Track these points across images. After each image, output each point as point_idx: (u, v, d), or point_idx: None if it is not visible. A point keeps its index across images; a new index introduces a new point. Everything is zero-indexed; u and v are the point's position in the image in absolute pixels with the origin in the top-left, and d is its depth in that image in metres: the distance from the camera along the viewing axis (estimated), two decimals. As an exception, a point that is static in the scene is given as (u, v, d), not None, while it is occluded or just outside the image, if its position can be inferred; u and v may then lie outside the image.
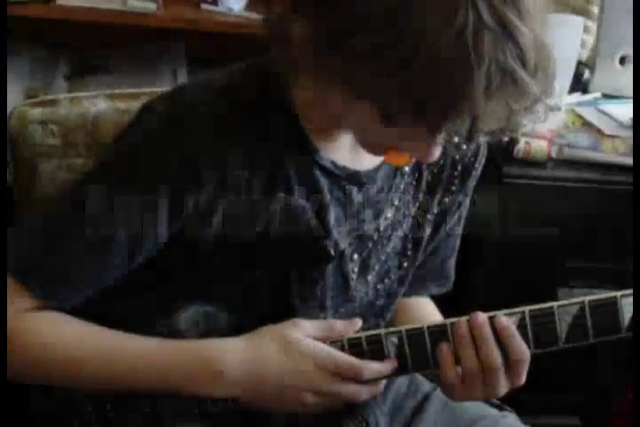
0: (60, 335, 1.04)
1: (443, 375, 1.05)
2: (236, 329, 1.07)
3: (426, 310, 1.31)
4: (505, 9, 0.85)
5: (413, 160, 1.05)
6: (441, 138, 0.94)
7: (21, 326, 1.02)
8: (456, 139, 0.94)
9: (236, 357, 1.03)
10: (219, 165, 1.01)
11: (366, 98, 0.91)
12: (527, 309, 1.03)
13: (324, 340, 1.05)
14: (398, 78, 0.86)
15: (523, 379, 1.05)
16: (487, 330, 1.02)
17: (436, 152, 0.98)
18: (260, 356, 1.03)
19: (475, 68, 0.84)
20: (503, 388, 1.05)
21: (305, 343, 1.03)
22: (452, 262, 1.31)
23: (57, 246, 1.03)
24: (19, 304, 1.02)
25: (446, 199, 1.20)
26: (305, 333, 1.04)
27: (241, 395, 1.03)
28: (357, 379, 1.04)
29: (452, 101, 0.86)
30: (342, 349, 1.05)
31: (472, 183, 1.22)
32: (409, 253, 1.21)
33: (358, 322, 1.07)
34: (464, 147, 1.06)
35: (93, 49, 2.12)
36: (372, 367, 1.04)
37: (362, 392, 1.06)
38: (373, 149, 1.03)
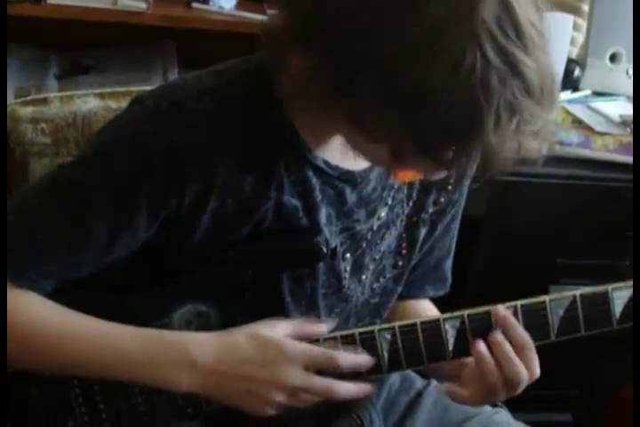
0: (33, 312, 1.03)
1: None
2: (229, 328, 1.06)
3: (426, 311, 1.30)
4: (510, 45, 0.84)
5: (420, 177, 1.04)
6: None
7: None
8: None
9: (203, 345, 1.02)
10: (206, 164, 1.00)
11: (378, 142, 0.90)
12: (519, 303, 1.04)
13: (298, 338, 1.04)
14: (410, 123, 0.86)
15: (537, 369, 1.05)
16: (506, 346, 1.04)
17: (442, 173, 0.97)
18: (228, 347, 1.01)
19: (484, 108, 0.84)
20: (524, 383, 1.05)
21: (276, 337, 1.02)
22: (448, 263, 1.31)
23: (31, 229, 1.02)
24: None
25: (442, 199, 1.20)
26: (278, 330, 1.03)
27: (204, 387, 1.02)
28: (334, 368, 1.02)
29: (463, 142, 0.86)
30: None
31: (467, 182, 1.22)
32: (404, 251, 1.21)
33: (328, 324, 1.06)
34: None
35: (84, 49, 2.12)
36: (348, 356, 1.03)
37: (340, 387, 1.03)
38: (383, 166, 1.03)
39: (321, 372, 1.02)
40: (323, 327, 1.06)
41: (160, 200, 1.01)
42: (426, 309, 1.31)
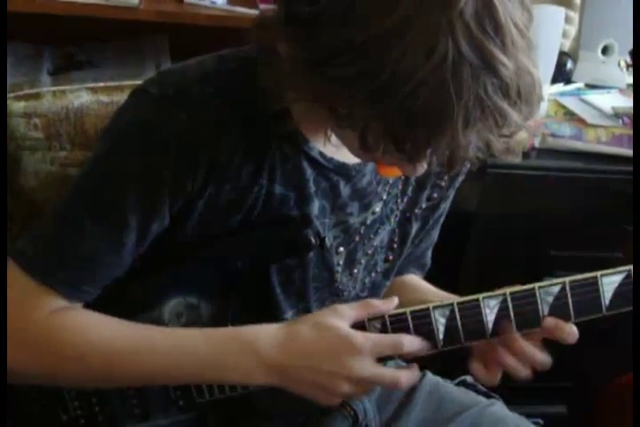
0: (99, 330, 1.03)
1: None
2: (218, 320, 1.07)
3: (420, 282, 1.32)
4: (486, 41, 0.83)
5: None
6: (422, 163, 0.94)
7: (59, 324, 1.01)
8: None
9: (269, 338, 1.01)
10: (212, 148, 1.00)
11: (345, 126, 0.91)
12: (508, 291, 1.04)
13: (364, 318, 1.04)
14: (376, 109, 0.85)
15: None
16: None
17: (420, 169, 0.97)
18: (294, 338, 1.01)
19: (453, 101, 0.83)
20: None
21: (342, 328, 1.01)
22: (430, 250, 1.33)
23: (71, 242, 1.02)
24: (49, 305, 1.01)
25: (435, 194, 1.21)
26: (343, 318, 1.02)
27: (273, 379, 1.02)
28: (397, 352, 1.02)
29: (430, 134, 0.85)
30: None
31: (460, 178, 1.23)
32: (395, 246, 1.21)
33: (395, 299, 1.06)
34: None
35: (77, 44, 2.11)
36: (409, 338, 1.03)
37: (401, 376, 1.03)
38: (363, 158, 1.03)
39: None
40: (390, 304, 1.05)
41: (179, 185, 1.01)
42: (415, 280, 1.32)
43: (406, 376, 1.04)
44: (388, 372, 1.03)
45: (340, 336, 1.01)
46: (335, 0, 0.85)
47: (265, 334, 1.02)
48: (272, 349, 1.01)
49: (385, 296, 1.25)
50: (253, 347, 1.01)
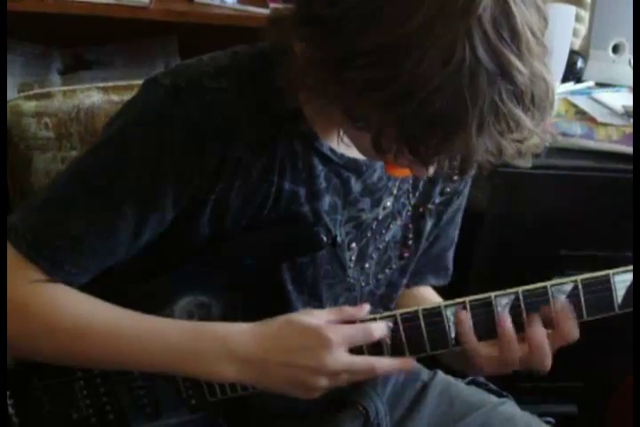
0: (73, 305, 1.03)
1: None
2: (229, 319, 1.06)
3: (426, 296, 1.31)
4: (503, 47, 0.83)
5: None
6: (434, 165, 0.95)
7: (34, 293, 1.01)
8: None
9: (242, 335, 1.01)
10: (224, 142, 1.00)
11: (361, 128, 0.91)
12: (520, 289, 1.04)
13: (337, 322, 1.03)
14: (392, 113, 0.86)
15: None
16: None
17: (431, 171, 0.97)
18: (267, 335, 1.01)
19: (469, 106, 0.83)
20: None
21: (314, 323, 1.01)
22: (450, 254, 1.32)
23: (62, 220, 1.02)
24: (30, 276, 1.01)
25: (448, 188, 1.21)
26: (315, 317, 1.03)
27: (247, 376, 1.02)
28: (369, 338, 1.02)
29: (445, 138, 0.86)
30: None
31: (472, 172, 1.22)
32: (410, 242, 1.21)
33: (366, 306, 1.06)
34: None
35: (87, 44, 2.12)
36: (379, 325, 1.03)
37: (383, 363, 1.03)
38: (373, 158, 1.03)
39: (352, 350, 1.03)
40: (362, 310, 1.05)
41: (184, 177, 1.01)
42: (427, 293, 1.31)
43: (381, 363, 1.03)
44: (360, 360, 1.02)
45: (311, 330, 1.01)
46: (355, 3, 0.85)
47: (237, 329, 1.02)
48: (246, 344, 1.01)
49: (395, 308, 1.25)
50: (226, 342, 1.01)
